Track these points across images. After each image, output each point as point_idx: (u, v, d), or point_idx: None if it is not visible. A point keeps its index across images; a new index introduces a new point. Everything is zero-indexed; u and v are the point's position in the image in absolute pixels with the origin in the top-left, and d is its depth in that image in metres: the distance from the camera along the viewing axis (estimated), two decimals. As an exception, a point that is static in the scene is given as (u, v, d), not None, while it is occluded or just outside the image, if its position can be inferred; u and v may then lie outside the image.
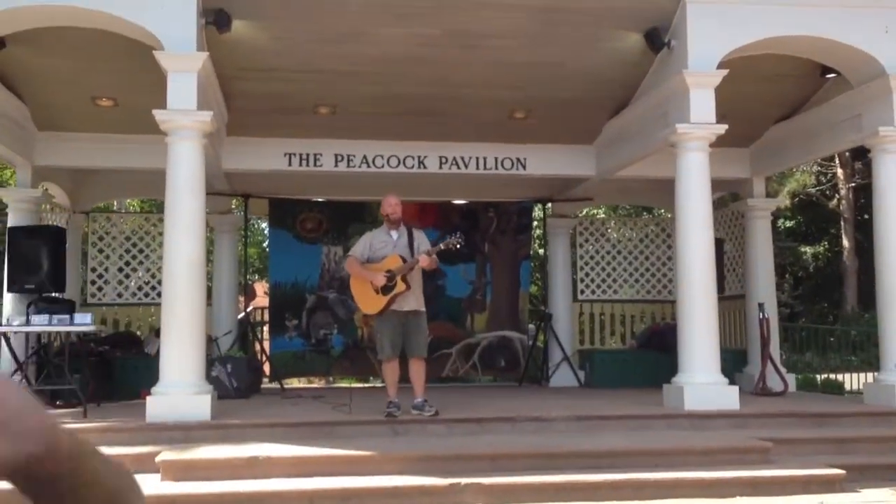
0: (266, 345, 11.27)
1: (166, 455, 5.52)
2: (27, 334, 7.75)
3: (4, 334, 7.79)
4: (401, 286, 6.70)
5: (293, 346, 10.91)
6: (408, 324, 6.81)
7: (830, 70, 8.24)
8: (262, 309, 12.51)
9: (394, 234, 6.96)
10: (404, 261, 6.76)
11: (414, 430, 6.53)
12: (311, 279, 10.98)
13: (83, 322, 7.30)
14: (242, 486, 5.16)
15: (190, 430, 6.27)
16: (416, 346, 6.85)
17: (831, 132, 8.65)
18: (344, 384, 12.11)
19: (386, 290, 6.74)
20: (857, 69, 7.84)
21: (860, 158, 20.79)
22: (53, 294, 8.74)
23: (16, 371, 7.74)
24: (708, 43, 7.26)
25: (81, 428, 6.24)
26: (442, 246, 6.78)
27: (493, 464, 5.61)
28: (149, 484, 5.27)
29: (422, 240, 6.95)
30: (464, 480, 5.18)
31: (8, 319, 7.79)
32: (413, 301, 6.81)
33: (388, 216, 6.97)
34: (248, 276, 12.38)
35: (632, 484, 5.31)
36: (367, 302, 6.90)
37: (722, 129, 7.37)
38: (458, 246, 6.83)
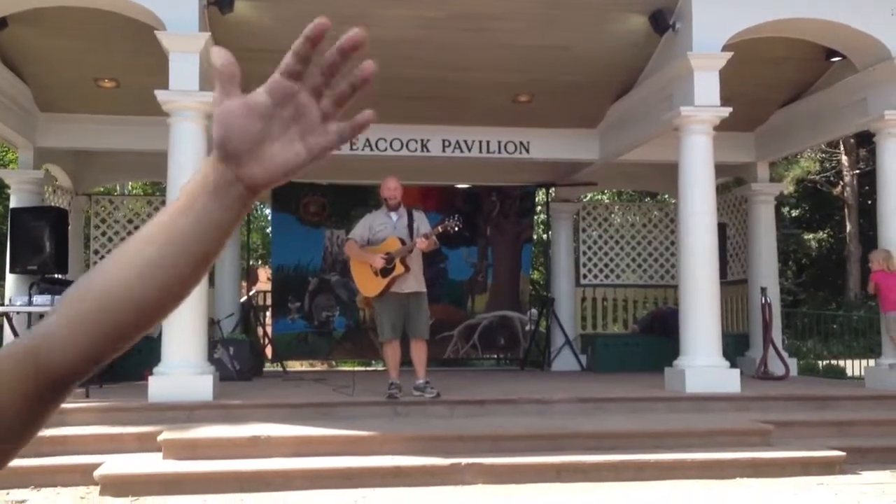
0: (269, 329, 11.30)
1: (168, 434, 5.53)
2: (29, 314, 7.76)
3: (7, 314, 7.82)
4: (399, 269, 6.70)
5: (296, 327, 10.95)
6: (409, 305, 6.80)
7: (836, 53, 8.20)
8: (265, 293, 12.54)
9: (393, 216, 6.95)
10: (403, 243, 6.75)
11: (415, 411, 6.54)
12: (314, 262, 11.00)
13: (86, 302, 7.30)
14: (244, 465, 5.18)
15: (192, 409, 6.29)
16: (418, 328, 6.84)
17: (836, 116, 8.62)
18: (346, 367, 12.15)
19: (385, 272, 6.74)
20: (862, 52, 7.80)
21: (865, 145, 20.72)
22: (56, 275, 8.75)
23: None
24: (713, 25, 7.23)
25: (84, 408, 6.28)
26: (440, 228, 6.75)
27: (494, 444, 5.62)
28: (151, 462, 5.30)
29: (422, 221, 6.93)
30: (465, 460, 5.20)
31: (10, 300, 7.81)
32: (413, 282, 6.81)
33: (387, 199, 6.97)
34: (251, 261, 12.40)
35: (633, 465, 5.32)
36: (367, 285, 6.90)
37: (726, 111, 7.35)
38: (457, 228, 6.78)
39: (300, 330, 10.94)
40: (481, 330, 11.17)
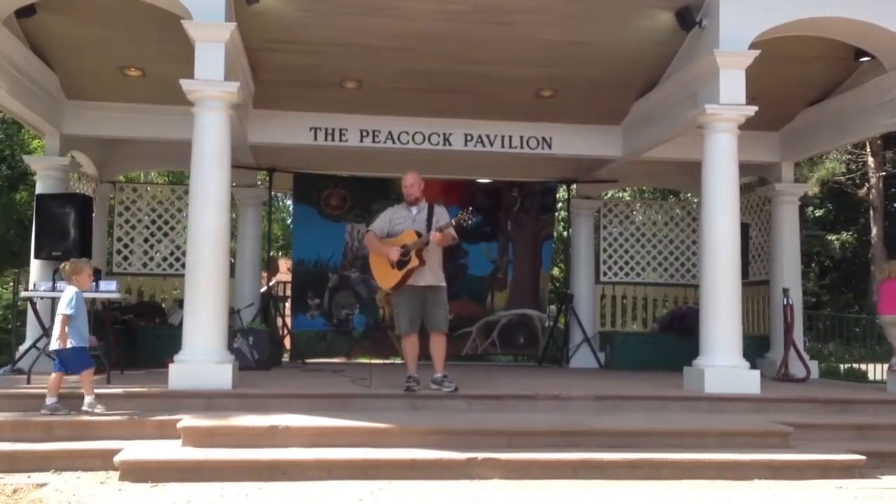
0: (288, 319, 11.33)
1: (188, 421, 5.58)
2: (53, 300, 7.83)
3: (31, 299, 7.91)
4: (414, 261, 6.75)
5: (315, 325, 10.95)
6: (426, 299, 6.84)
7: (864, 53, 8.09)
8: (285, 283, 12.57)
9: (414, 209, 7.01)
10: (420, 236, 6.79)
11: (432, 404, 6.55)
12: (335, 258, 11.00)
13: (108, 289, 7.37)
14: (262, 454, 5.21)
15: (211, 398, 6.34)
16: (436, 321, 6.87)
17: (863, 117, 8.51)
18: (364, 360, 12.15)
19: (400, 265, 6.79)
20: (891, 53, 7.70)
21: (891, 147, 20.49)
22: (80, 262, 8.82)
23: (41, 336, 7.85)
24: (740, 23, 7.16)
25: (105, 394, 6.34)
26: (453, 222, 6.79)
27: (510, 440, 5.62)
28: (170, 449, 5.34)
29: (441, 216, 6.96)
30: (481, 455, 5.20)
31: (35, 285, 7.88)
32: (430, 276, 6.84)
33: (405, 194, 7.02)
34: (271, 252, 12.45)
35: (649, 463, 5.30)
36: (384, 277, 6.96)
37: (752, 110, 7.28)
38: (470, 221, 6.82)
39: (319, 328, 10.94)
40: (500, 328, 11.15)
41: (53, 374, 6.07)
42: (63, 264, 6.56)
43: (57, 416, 5.86)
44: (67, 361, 6.09)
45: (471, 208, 6.85)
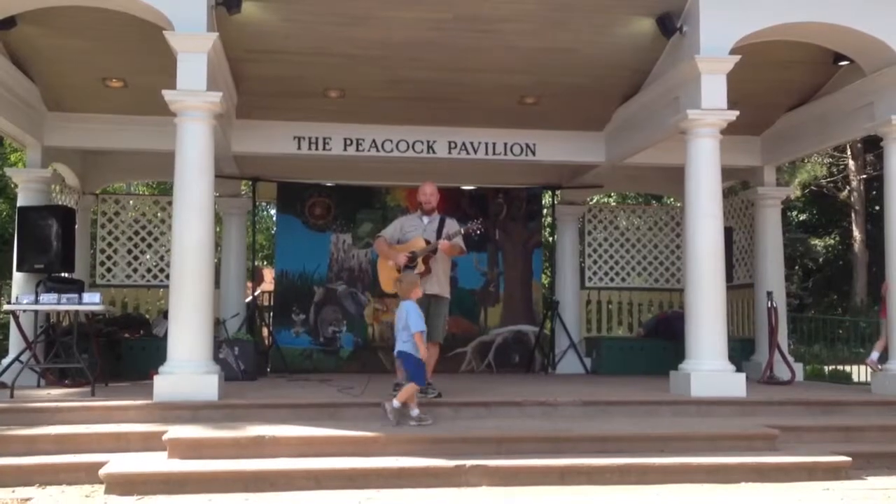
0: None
1: (173, 433, 5.54)
2: (36, 313, 7.78)
3: (13, 312, 7.84)
4: (420, 267, 6.84)
5: (300, 342, 10.67)
6: (429, 307, 6.90)
7: (843, 57, 8.18)
8: (270, 293, 12.49)
9: (425, 219, 7.14)
10: (428, 244, 6.86)
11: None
12: (320, 270, 10.82)
13: (92, 301, 7.32)
14: (249, 465, 5.18)
15: (197, 409, 6.30)
16: (433, 331, 6.93)
17: (843, 120, 8.59)
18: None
19: (407, 270, 6.85)
20: (870, 57, 7.78)
21: (872, 150, 20.70)
22: (63, 274, 8.77)
23: (25, 349, 7.79)
24: (720, 28, 7.22)
25: (90, 406, 6.29)
26: (462, 231, 6.89)
27: (498, 447, 5.62)
28: (156, 461, 5.30)
29: (452, 227, 7.05)
30: (469, 462, 5.20)
31: (17, 298, 7.82)
32: (435, 285, 6.93)
33: (421, 204, 7.13)
34: (256, 262, 12.40)
35: (637, 468, 5.31)
36: (389, 281, 7.02)
37: (733, 115, 7.34)
38: (479, 231, 6.98)
39: (304, 346, 10.67)
40: (496, 348, 10.97)
41: (408, 385, 6.14)
42: (397, 281, 6.54)
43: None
44: (412, 371, 6.17)
45: (480, 219, 7.02)
